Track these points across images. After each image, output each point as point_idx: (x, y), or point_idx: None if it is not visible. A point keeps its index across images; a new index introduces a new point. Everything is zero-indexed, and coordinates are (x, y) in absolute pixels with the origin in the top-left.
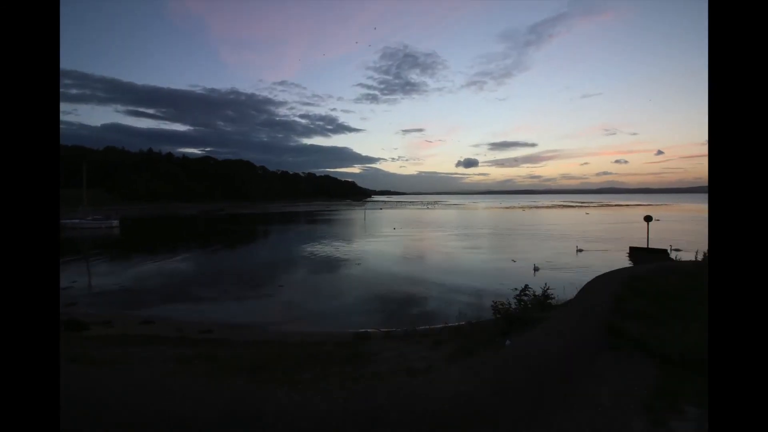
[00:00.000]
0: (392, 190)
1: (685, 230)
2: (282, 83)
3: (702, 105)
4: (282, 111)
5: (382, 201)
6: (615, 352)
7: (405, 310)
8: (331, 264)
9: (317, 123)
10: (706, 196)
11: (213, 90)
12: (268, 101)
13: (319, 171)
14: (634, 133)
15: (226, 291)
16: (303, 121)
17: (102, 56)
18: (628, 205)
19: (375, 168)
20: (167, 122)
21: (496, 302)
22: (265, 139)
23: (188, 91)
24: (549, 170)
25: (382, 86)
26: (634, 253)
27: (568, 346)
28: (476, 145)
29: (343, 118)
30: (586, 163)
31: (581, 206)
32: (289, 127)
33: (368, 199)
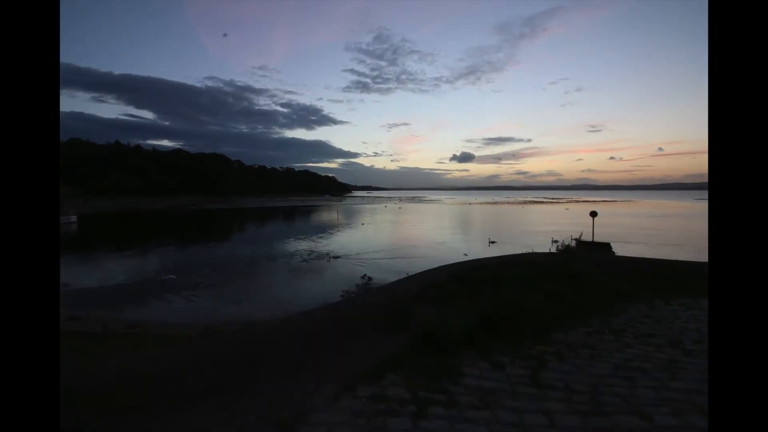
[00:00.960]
0: (374, 185)
1: (624, 224)
2: (262, 68)
3: (696, 102)
4: (262, 100)
5: (360, 197)
6: (392, 331)
7: None
8: (272, 263)
9: (300, 113)
10: (690, 192)
11: (188, 76)
12: (248, 89)
13: (300, 165)
14: (611, 130)
15: (162, 289)
16: (285, 110)
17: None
18: (592, 201)
19: (357, 162)
20: (135, 111)
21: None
22: (245, 130)
23: (159, 79)
24: (533, 166)
25: (368, 79)
26: (581, 246)
27: (356, 320)
28: (465, 141)
29: (328, 109)
30: (579, 160)
31: (553, 202)
32: (270, 117)
33: (348, 195)
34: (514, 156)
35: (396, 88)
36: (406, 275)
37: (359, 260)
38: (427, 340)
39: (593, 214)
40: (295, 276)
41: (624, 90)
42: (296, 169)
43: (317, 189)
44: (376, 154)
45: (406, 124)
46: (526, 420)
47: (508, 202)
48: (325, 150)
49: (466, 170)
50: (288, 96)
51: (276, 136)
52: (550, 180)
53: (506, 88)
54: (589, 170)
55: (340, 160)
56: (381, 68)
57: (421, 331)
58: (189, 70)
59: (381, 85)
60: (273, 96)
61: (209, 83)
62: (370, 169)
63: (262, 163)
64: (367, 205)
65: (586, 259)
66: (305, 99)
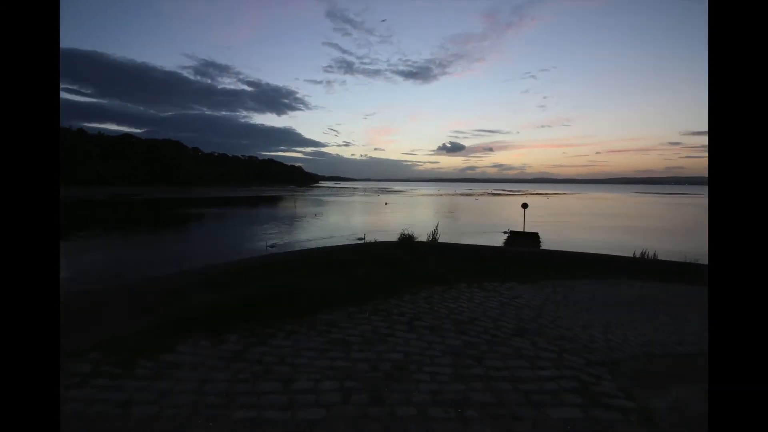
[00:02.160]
0: (342, 176)
1: (553, 214)
2: (228, 42)
3: (657, 101)
4: (227, 79)
5: (327, 187)
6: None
7: None
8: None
9: (271, 95)
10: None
11: (141, 53)
12: (212, 65)
13: (267, 154)
14: (578, 126)
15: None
16: (251, 89)
17: None
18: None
19: (326, 152)
20: (75, 89)
21: None
22: (207, 113)
23: (102, 54)
24: (501, 159)
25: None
26: (513, 236)
27: None
28: (442, 132)
29: (305, 91)
30: (569, 154)
31: (511, 194)
32: (236, 99)
33: (315, 185)
34: (486, 149)
35: (385, 70)
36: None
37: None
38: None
39: (524, 205)
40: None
41: (588, 90)
42: (260, 158)
43: (282, 179)
44: (347, 144)
45: (377, 113)
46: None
47: (466, 194)
48: (294, 138)
49: (437, 162)
50: (258, 75)
51: (243, 120)
52: (514, 173)
53: (485, 79)
54: (553, 165)
55: (310, 149)
56: (369, 45)
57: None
58: (142, 46)
59: (368, 66)
60: (239, 74)
61: (166, 60)
62: (340, 159)
63: (224, 150)
64: (332, 198)
65: (434, 246)
66: (278, 79)
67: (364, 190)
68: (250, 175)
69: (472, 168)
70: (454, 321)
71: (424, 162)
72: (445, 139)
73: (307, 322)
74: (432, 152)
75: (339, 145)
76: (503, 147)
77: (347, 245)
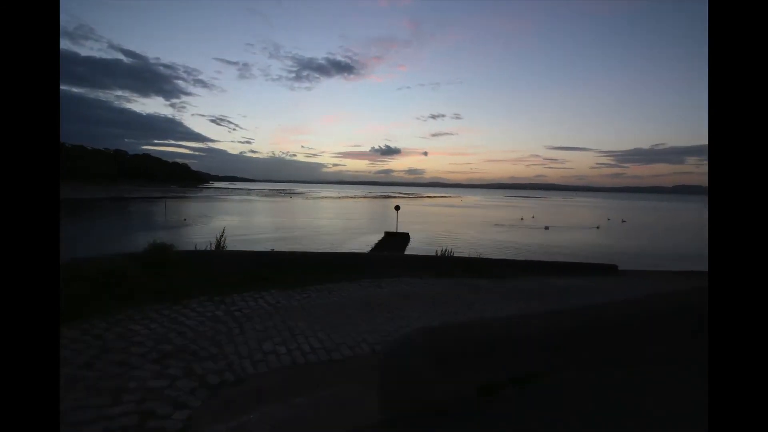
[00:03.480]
0: (239, 176)
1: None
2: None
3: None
4: (93, 44)
5: (217, 188)
6: None
7: None
8: None
9: (159, 72)
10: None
11: None
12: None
13: (146, 149)
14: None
15: None
16: (129, 60)
17: None
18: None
19: (219, 149)
20: None
21: None
22: (62, 88)
23: None
24: (398, 165)
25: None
26: (388, 236)
27: None
28: (348, 137)
29: (209, 72)
30: (458, 162)
31: (406, 197)
32: (105, 72)
33: (205, 186)
34: (392, 152)
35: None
36: None
37: None
38: None
39: (397, 208)
40: None
41: (485, 104)
42: (133, 153)
43: (161, 177)
44: (248, 141)
45: (287, 109)
46: None
47: (359, 197)
48: (182, 130)
49: (344, 165)
50: (145, 44)
51: (115, 104)
52: (410, 178)
53: (402, 83)
54: (445, 171)
55: (202, 144)
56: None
57: None
58: None
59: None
60: (111, 40)
61: None
62: (240, 158)
63: (87, 141)
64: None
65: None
66: (175, 53)
67: (261, 191)
68: (118, 173)
69: (386, 172)
70: None
71: (329, 164)
72: (359, 141)
73: None
74: (339, 154)
75: (241, 142)
76: (407, 153)
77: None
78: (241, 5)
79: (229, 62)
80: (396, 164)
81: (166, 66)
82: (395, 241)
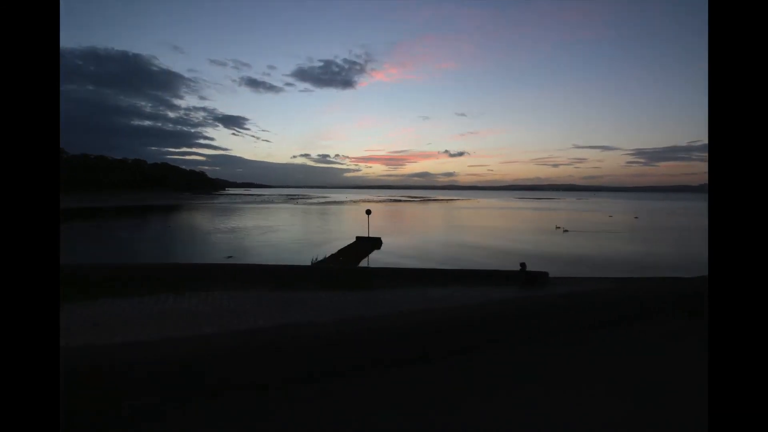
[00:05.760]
0: (257, 182)
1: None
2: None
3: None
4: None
5: (233, 194)
6: None
7: None
8: None
9: (179, 75)
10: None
11: None
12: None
13: (171, 158)
14: (479, 137)
15: None
16: (154, 67)
17: None
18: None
19: (237, 156)
20: None
21: None
22: (84, 95)
23: None
24: (423, 167)
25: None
26: (359, 240)
27: None
28: (366, 141)
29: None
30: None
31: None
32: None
33: (221, 193)
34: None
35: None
36: None
37: None
38: None
39: (368, 212)
40: None
41: (500, 106)
42: (150, 162)
43: (177, 186)
44: (262, 139)
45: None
46: None
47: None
48: (200, 137)
49: (370, 167)
50: (160, 50)
51: (146, 110)
52: (420, 181)
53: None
54: (461, 174)
55: (216, 152)
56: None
57: None
58: None
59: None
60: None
61: None
62: (260, 164)
63: (110, 153)
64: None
65: None
66: (196, 61)
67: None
68: (136, 182)
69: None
70: None
71: (350, 169)
72: (375, 144)
73: None
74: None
75: (257, 144)
76: (426, 156)
77: None
78: (264, 11)
79: (245, 64)
80: (414, 168)
81: (190, 70)
82: (371, 244)
